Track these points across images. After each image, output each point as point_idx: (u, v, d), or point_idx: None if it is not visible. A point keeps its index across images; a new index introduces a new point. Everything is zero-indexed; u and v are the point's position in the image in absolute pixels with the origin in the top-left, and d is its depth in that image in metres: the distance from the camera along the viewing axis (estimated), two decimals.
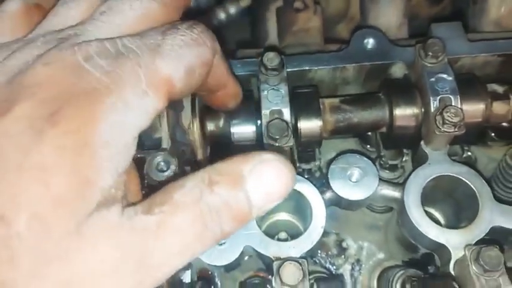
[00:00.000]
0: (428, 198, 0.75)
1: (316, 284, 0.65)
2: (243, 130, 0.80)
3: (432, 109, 0.74)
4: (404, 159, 0.89)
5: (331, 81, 0.85)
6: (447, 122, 0.72)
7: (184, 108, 0.76)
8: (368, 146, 0.94)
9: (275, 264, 0.66)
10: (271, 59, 0.77)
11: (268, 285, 0.77)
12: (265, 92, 0.76)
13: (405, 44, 0.85)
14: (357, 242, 0.92)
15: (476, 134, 0.80)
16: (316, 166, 0.90)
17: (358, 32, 0.85)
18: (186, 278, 0.71)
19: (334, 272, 0.88)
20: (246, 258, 0.75)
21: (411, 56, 0.81)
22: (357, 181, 0.76)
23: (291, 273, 0.61)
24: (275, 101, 0.76)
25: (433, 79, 0.76)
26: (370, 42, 0.84)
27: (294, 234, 0.79)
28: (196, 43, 0.57)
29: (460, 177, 0.74)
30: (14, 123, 0.46)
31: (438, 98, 0.75)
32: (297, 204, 0.79)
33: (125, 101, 0.50)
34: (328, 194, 0.77)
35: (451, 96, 0.75)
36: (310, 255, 0.85)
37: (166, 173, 0.67)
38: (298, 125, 0.78)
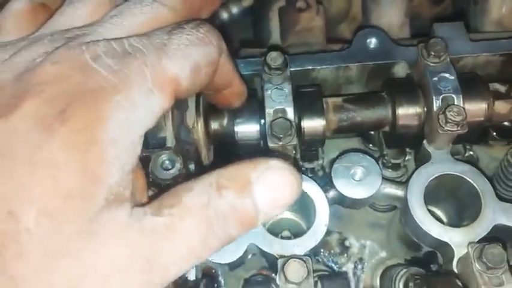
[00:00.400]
0: (431, 197, 0.76)
1: (320, 282, 0.65)
2: (247, 129, 0.80)
3: (435, 108, 0.75)
4: (406, 158, 0.89)
5: (334, 81, 0.86)
6: (450, 120, 0.72)
7: (188, 108, 0.76)
8: (370, 145, 0.95)
9: (280, 262, 0.66)
10: (274, 58, 0.78)
11: (271, 283, 0.77)
12: (269, 91, 0.77)
13: (407, 43, 0.85)
14: (360, 241, 0.93)
15: (478, 133, 0.81)
16: (319, 165, 0.90)
17: (361, 31, 0.86)
18: (191, 275, 0.71)
19: (337, 271, 0.88)
20: (250, 256, 0.76)
21: (413, 56, 0.82)
22: (360, 180, 0.76)
23: (295, 270, 0.61)
24: (279, 100, 0.76)
25: (435, 78, 0.77)
26: (372, 42, 0.85)
27: (297, 233, 0.80)
28: (203, 42, 0.57)
29: (463, 176, 0.75)
30: (22, 120, 0.46)
31: (441, 97, 0.75)
32: (300, 203, 0.79)
33: (132, 100, 0.50)
34: (332, 193, 0.77)
35: (453, 95, 0.75)
36: (313, 253, 0.85)
37: (171, 171, 0.68)
38: (302, 123, 0.78)
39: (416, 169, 0.76)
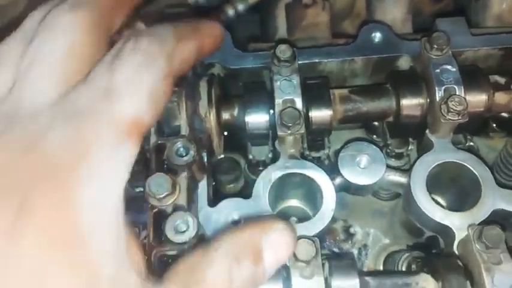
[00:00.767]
0: (433, 184, 0.79)
1: (328, 262, 0.68)
2: (257, 119, 0.83)
3: (437, 98, 0.78)
4: (410, 148, 0.92)
5: (340, 73, 0.89)
6: (451, 110, 0.76)
7: (201, 99, 0.79)
8: (374, 137, 0.98)
9: None
10: (283, 51, 0.81)
11: None
12: (278, 83, 0.80)
13: (411, 38, 0.89)
14: (364, 228, 0.96)
15: (478, 123, 0.84)
16: (325, 154, 0.93)
17: (366, 26, 0.89)
18: None
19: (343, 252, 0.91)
20: None
21: (417, 49, 0.85)
22: (365, 167, 0.80)
23: (304, 249, 0.64)
24: (288, 90, 0.79)
25: (438, 70, 0.80)
26: (377, 36, 0.88)
27: (304, 220, 0.83)
28: (149, 59, 0.51)
29: (464, 163, 0.78)
30: None
31: (443, 88, 0.78)
32: (307, 190, 0.83)
33: (98, 164, 0.44)
34: (338, 180, 0.80)
35: (455, 86, 0.78)
36: (320, 240, 0.88)
37: (185, 158, 0.70)
38: (310, 113, 0.81)
39: (419, 157, 0.80)
